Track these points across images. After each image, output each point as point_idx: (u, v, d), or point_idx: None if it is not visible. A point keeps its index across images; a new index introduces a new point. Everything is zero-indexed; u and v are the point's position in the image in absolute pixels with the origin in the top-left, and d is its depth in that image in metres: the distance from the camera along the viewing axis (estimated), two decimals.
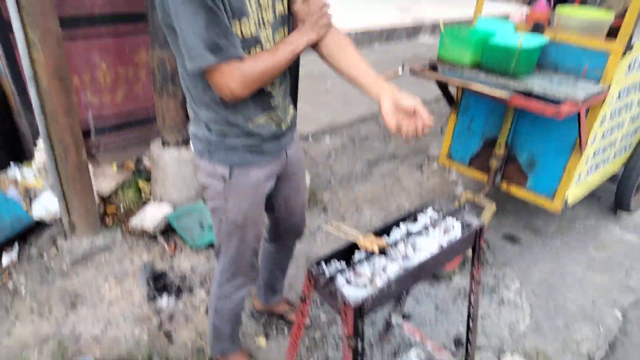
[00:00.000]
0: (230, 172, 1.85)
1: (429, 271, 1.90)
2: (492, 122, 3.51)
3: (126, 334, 2.89)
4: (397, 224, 2.09)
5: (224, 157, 1.84)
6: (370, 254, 1.87)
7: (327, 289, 1.73)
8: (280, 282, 2.83)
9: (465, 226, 2.09)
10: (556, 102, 2.71)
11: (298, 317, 1.95)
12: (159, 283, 3.18)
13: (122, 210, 3.77)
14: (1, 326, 2.93)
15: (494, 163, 3.41)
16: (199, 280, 3.31)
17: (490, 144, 3.54)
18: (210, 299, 2.34)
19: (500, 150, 3.39)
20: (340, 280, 1.77)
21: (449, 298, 3.32)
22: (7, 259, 3.36)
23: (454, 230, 2.07)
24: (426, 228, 2.05)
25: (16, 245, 3.45)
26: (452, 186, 4.68)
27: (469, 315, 2.31)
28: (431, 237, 2.03)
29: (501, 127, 3.36)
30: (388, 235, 2.04)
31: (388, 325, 2.82)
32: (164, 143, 3.58)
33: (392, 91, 1.55)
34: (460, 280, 3.47)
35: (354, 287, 1.76)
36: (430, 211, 2.19)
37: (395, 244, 1.92)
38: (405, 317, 3.02)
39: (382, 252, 1.90)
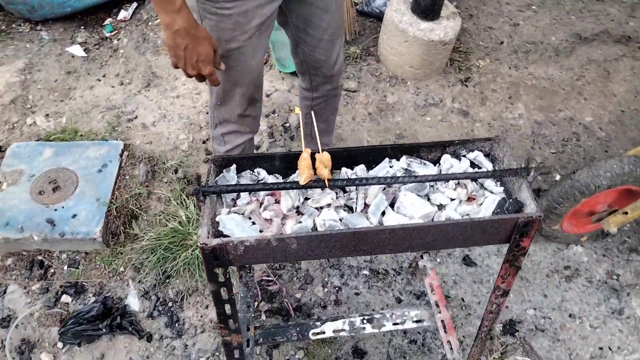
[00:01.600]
0: None
1: (384, 248, 1.12)
2: None
3: (172, 133, 2.74)
4: (395, 153, 1.25)
5: None
6: (318, 182, 1.16)
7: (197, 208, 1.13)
8: (325, 135, 2.35)
9: (507, 204, 1.15)
10: None
11: None
12: None
13: None
14: (91, 78, 3.04)
15: None
16: (271, 108, 2.88)
17: None
18: None
19: None
20: (224, 207, 1.15)
21: (542, 269, 2.35)
22: (123, 13, 3.34)
23: (485, 200, 1.17)
24: (438, 180, 1.19)
25: (134, 4, 3.38)
26: None
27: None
28: (435, 198, 1.18)
29: None
30: (369, 166, 1.25)
31: (416, 265, 2.11)
32: None
33: None
34: (581, 255, 2.40)
35: (242, 221, 1.12)
36: (472, 155, 1.26)
37: (345, 184, 1.15)
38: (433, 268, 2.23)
39: (342, 188, 1.17)
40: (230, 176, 1.20)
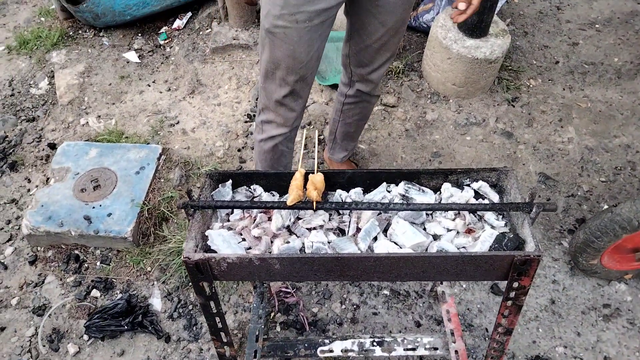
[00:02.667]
0: None
1: (372, 275, 1.09)
2: None
3: (209, 140, 2.82)
4: (394, 178, 1.22)
5: None
6: (306, 203, 1.15)
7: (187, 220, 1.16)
8: (349, 141, 2.38)
9: (506, 240, 1.09)
10: None
11: None
12: None
13: None
14: (142, 83, 3.19)
15: None
16: (307, 119, 2.89)
17: None
18: None
19: None
20: (218, 221, 1.16)
21: (578, 305, 2.19)
22: (178, 22, 3.49)
23: (482, 233, 1.11)
24: (432, 210, 1.14)
25: (189, 14, 3.52)
26: None
27: None
28: (430, 227, 1.13)
29: None
30: (366, 190, 1.22)
31: (435, 291, 2.03)
32: None
33: None
34: (623, 294, 2.22)
35: (229, 237, 1.13)
36: (476, 185, 1.20)
37: (341, 208, 1.13)
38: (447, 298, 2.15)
39: (337, 210, 1.16)
40: (225, 191, 1.21)
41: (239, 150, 2.77)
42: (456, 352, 1.79)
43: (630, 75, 3.16)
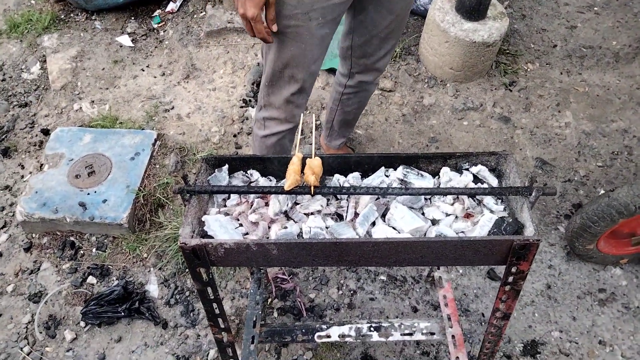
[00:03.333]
0: None
1: (370, 261, 1.08)
2: None
3: (204, 125, 2.79)
4: (392, 163, 1.20)
5: None
6: (304, 188, 1.14)
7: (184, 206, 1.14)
8: (346, 128, 2.37)
9: (505, 224, 1.08)
10: None
11: None
12: None
13: None
14: (135, 67, 3.14)
15: None
16: None
17: None
18: None
19: None
20: (215, 207, 1.15)
21: (574, 289, 2.20)
22: (171, 5, 3.43)
23: (481, 218, 1.10)
24: (430, 194, 1.13)
25: None
26: None
27: None
28: (429, 212, 1.12)
29: None
30: (365, 175, 1.21)
31: (432, 277, 2.04)
32: None
33: None
34: (619, 279, 2.23)
35: (226, 223, 1.12)
36: (475, 169, 1.19)
37: (339, 193, 1.12)
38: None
39: (334, 195, 1.14)
40: (222, 176, 1.19)
41: (234, 135, 2.74)
42: (453, 336, 1.79)
43: (629, 59, 3.15)
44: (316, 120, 2.79)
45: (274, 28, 1.43)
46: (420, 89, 2.95)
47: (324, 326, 1.84)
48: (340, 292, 2.21)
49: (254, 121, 1.93)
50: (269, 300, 2.18)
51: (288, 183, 1.09)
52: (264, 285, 2.19)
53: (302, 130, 2.75)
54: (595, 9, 3.48)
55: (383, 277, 2.24)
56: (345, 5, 1.53)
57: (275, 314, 2.15)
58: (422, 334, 1.82)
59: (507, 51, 3.15)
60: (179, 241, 1.05)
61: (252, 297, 1.92)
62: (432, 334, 1.82)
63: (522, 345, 2.05)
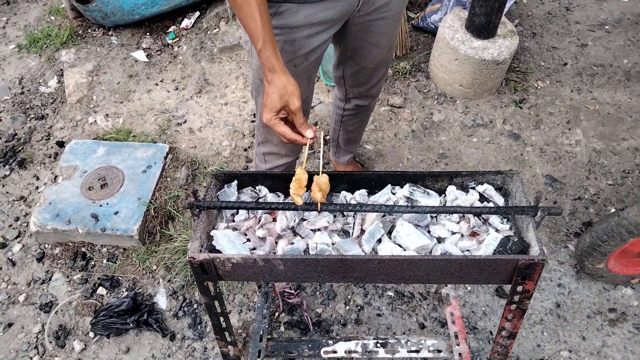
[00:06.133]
0: None
1: (376, 277, 1.09)
2: None
3: (216, 139, 2.83)
4: (399, 181, 1.22)
5: None
6: (311, 204, 1.16)
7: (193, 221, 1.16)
8: (352, 144, 2.41)
9: (510, 243, 1.09)
10: None
11: None
12: None
13: None
14: (150, 82, 3.21)
15: None
16: (313, 120, 2.90)
17: None
18: None
19: None
20: (224, 222, 1.17)
21: (583, 309, 2.18)
22: (186, 21, 3.50)
23: (487, 237, 1.11)
24: (436, 212, 1.14)
25: (197, 13, 3.54)
26: None
27: None
28: (435, 230, 1.13)
29: None
30: (371, 192, 1.22)
31: (440, 293, 2.03)
32: None
33: None
34: (630, 299, 2.21)
35: (234, 238, 1.14)
36: (481, 188, 1.20)
37: (346, 210, 1.13)
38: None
39: (340, 210, 1.16)
40: (230, 192, 1.22)
41: (245, 150, 2.77)
42: (460, 354, 1.79)
43: None
44: (325, 135, 2.82)
45: (308, 134, 1.21)
46: (429, 105, 2.97)
47: (330, 341, 1.84)
48: (348, 307, 2.21)
49: (254, 154, 1.95)
50: (276, 314, 2.19)
51: (296, 200, 1.10)
52: (272, 299, 2.20)
53: (311, 146, 2.79)
54: (607, 27, 3.49)
55: (391, 293, 2.24)
56: (325, 45, 1.53)
57: (282, 328, 2.16)
58: (429, 351, 1.82)
59: (518, 69, 3.16)
60: (187, 255, 1.07)
61: (259, 311, 1.93)
62: (439, 351, 1.81)
63: None
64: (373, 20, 1.55)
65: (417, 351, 1.82)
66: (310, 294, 2.26)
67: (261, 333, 1.87)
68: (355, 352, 1.82)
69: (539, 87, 3.09)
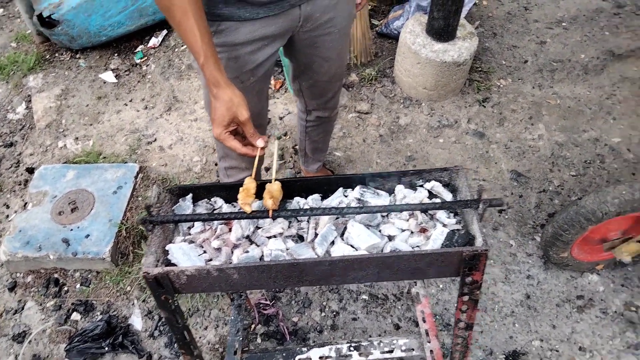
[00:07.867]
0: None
1: (330, 279, 1.12)
2: None
3: (186, 156, 2.85)
4: (350, 183, 1.25)
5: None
6: (263, 212, 1.18)
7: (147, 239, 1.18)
8: (319, 153, 2.44)
9: (456, 236, 1.12)
10: None
11: None
12: None
13: None
14: (119, 102, 3.22)
15: None
16: (282, 130, 2.93)
17: None
18: None
19: None
20: (180, 235, 1.19)
21: (552, 298, 2.23)
22: (153, 40, 3.52)
23: (434, 232, 1.14)
24: (384, 212, 1.18)
25: (164, 31, 3.56)
26: None
27: None
28: (386, 228, 1.17)
29: None
30: (325, 196, 1.25)
31: (410, 292, 2.06)
32: None
33: None
34: (596, 285, 2.26)
35: (189, 250, 1.16)
36: (429, 185, 1.24)
37: (297, 215, 1.16)
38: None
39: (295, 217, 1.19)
40: (186, 205, 1.24)
41: (216, 164, 2.79)
42: (431, 351, 1.81)
43: (597, 71, 3.23)
44: (294, 145, 2.85)
45: (259, 143, 1.22)
46: (396, 109, 3.02)
47: (304, 349, 1.86)
48: (323, 314, 2.23)
49: (218, 170, 1.97)
50: (253, 326, 2.20)
51: (245, 208, 1.13)
52: (247, 312, 2.21)
53: (282, 156, 2.82)
54: (564, 24, 3.60)
55: (365, 297, 2.27)
56: (273, 58, 1.54)
57: (259, 340, 2.17)
58: (402, 350, 1.84)
59: (480, 69, 3.24)
60: (142, 271, 1.08)
61: (233, 324, 1.93)
62: (412, 350, 1.84)
63: (504, 356, 2.07)
64: (319, 36, 1.58)
65: (391, 351, 1.84)
66: (286, 303, 2.27)
67: (236, 346, 1.88)
68: (330, 357, 1.84)
69: (501, 86, 3.17)
